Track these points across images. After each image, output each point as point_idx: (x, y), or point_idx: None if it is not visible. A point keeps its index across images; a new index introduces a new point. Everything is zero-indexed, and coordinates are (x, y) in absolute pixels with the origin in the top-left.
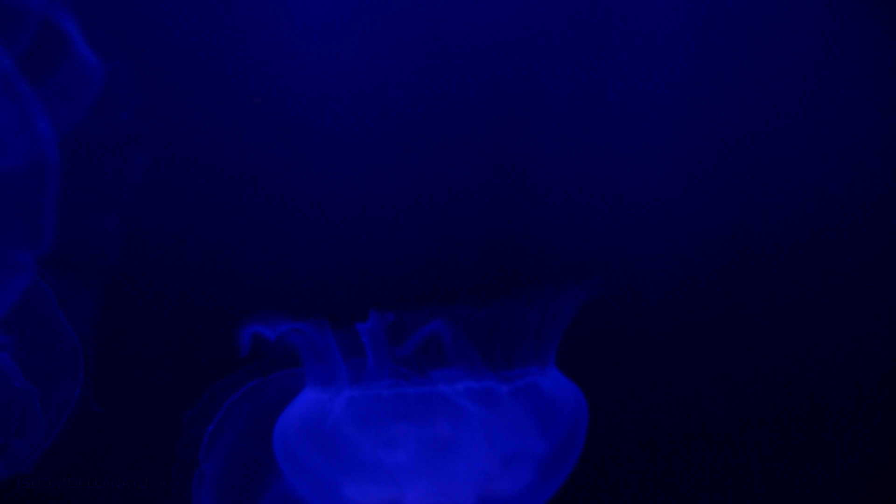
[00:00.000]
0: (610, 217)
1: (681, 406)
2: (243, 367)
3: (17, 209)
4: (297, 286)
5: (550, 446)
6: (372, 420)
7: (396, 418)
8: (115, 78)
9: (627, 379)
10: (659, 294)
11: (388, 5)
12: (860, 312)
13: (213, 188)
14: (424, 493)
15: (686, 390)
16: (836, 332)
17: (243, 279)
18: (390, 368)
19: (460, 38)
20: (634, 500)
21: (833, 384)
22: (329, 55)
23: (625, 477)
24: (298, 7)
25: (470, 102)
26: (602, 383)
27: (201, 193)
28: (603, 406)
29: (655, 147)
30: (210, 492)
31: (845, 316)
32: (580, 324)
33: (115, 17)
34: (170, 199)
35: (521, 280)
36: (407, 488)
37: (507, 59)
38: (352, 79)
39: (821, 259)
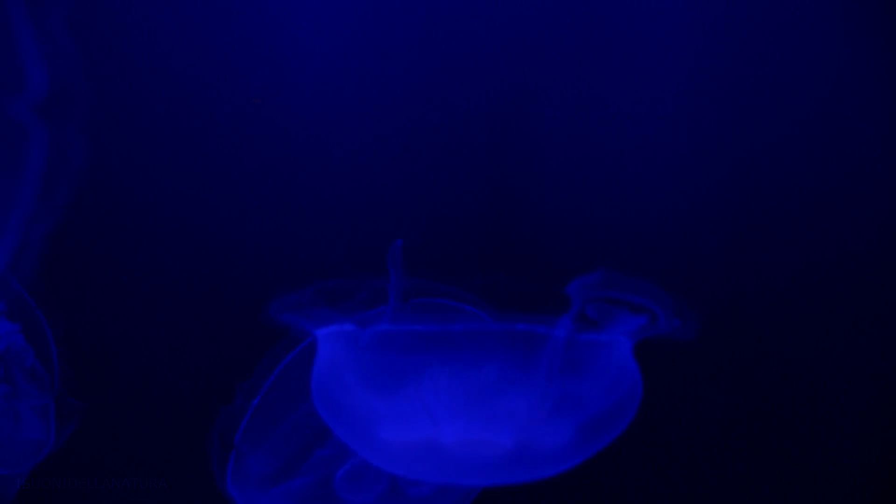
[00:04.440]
0: (611, 205)
1: (687, 397)
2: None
3: None
4: (299, 282)
5: (601, 407)
6: (412, 354)
7: (443, 356)
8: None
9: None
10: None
11: None
12: (864, 301)
13: (213, 187)
14: (462, 429)
15: (690, 382)
16: (839, 326)
17: (244, 278)
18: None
19: (460, 28)
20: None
21: (834, 380)
22: (329, 47)
23: (625, 467)
24: (297, 6)
25: (470, 94)
26: None
27: (203, 192)
28: None
29: (656, 136)
30: (253, 471)
31: (847, 307)
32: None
33: (116, 16)
34: (171, 197)
35: (524, 274)
36: (444, 425)
37: (506, 47)
38: (351, 72)
39: (825, 252)
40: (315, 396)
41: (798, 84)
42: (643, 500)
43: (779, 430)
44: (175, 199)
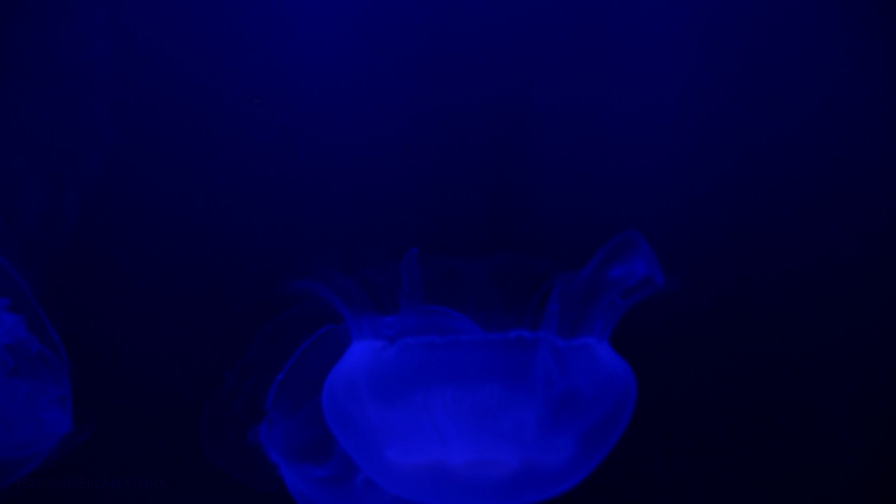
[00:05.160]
0: (610, 202)
1: (697, 387)
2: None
3: None
4: (300, 280)
5: (598, 410)
6: (423, 369)
7: (449, 368)
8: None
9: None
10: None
11: None
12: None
13: (214, 185)
14: (469, 450)
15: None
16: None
17: (246, 278)
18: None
19: (459, 23)
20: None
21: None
22: (330, 44)
23: (632, 462)
24: (297, 6)
25: (469, 91)
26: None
27: (203, 191)
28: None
29: (655, 132)
30: (280, 442)
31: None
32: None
33: (117, 16)
34: (171, 197)
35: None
36: (452, 445)
37: (503, 42)
38: (352, 67)
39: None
40: (326, 409)
41: (796, 80)
42: None
43: (778, 429)
44: (174, 197)
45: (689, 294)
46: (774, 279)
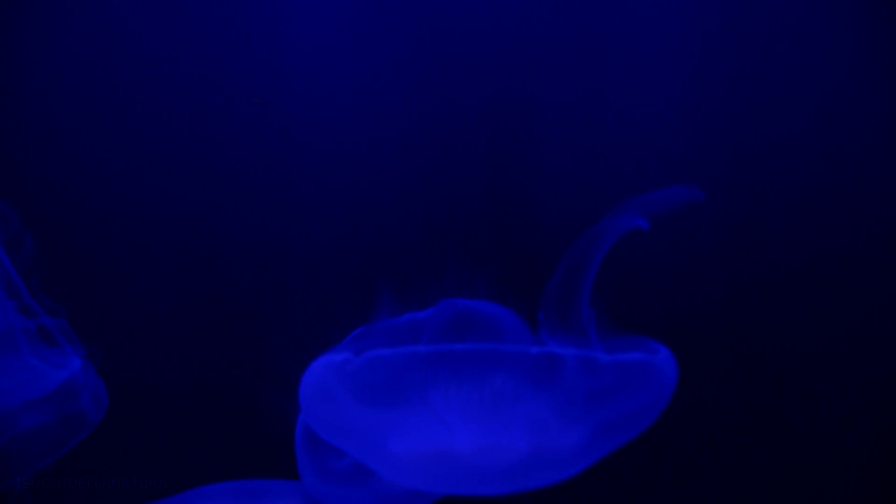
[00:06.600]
0: (611, 197)
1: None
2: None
3: None
4: (300, 282)
5: (624, 409)
6: (413, 372)
7: (451, 371)
8: None
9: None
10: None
11: None
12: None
13: (213, 185)
14: (478, 435)
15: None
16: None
17: (244, 277)
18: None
19: (458, 23)
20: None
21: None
22: (330, 43)
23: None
24: (297, 6)
25: (469, 88)
26: None
27: (203, 190)
28: None
29: (655, 133)
30: (305, 435)
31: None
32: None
33: (118, 16)
34: (171, 198)
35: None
36: (458, 432)
37: (504, 41)
38: (352, 67)
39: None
40: (312, 422)
41: (797, 80)
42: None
43: (781, 429)
44: (173, 196)
45: (687, 294)
46: (773, 279)
